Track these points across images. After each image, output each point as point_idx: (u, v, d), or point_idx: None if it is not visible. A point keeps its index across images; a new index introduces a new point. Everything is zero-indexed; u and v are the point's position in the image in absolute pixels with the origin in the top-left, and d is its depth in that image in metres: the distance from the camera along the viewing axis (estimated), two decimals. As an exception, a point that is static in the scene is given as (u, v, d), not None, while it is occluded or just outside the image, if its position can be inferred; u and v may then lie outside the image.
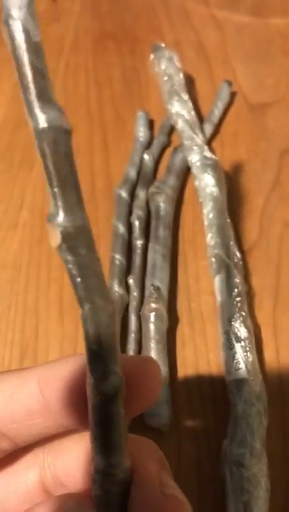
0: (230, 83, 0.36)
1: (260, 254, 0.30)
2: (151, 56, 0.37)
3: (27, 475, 0.16)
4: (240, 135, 0.35)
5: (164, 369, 0.25)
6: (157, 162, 0.34)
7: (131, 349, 0.26)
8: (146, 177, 0.32)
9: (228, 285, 0.26)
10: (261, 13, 0.43)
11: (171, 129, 0.35)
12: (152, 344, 0.25)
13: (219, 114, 0.35)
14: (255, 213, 0.31)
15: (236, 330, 0.25)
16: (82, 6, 0.47)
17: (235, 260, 0.27)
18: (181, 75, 0.36)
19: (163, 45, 0.37)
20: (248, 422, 0.23)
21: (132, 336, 0.26)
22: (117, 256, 0.28)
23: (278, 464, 0.23)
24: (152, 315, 0.26)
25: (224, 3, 0.45)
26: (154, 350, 0.25)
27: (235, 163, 0.34)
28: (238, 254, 0.28)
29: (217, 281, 0.27)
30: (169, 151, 0.34)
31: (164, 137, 0.34)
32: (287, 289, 0.28)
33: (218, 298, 0.27)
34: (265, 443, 0.23)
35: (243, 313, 0.26)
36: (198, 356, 0.26)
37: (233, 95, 0.37)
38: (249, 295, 0.28)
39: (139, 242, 0.29)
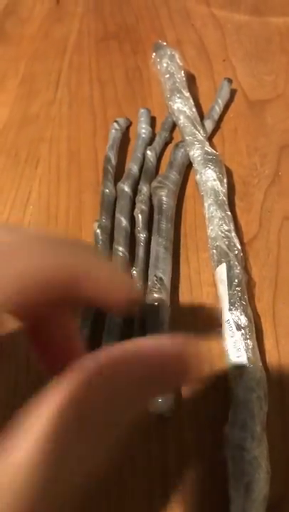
0: (230, 81, 0.37)
1: (260, 246, 0.30)
2: (153, 54, 0.38)
3: None
4: (240, 131, 0.36)
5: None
6: (159, 158, 0.35)
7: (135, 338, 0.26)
8: (148, 172, 0.33)
9: (229, 275, 0.27)
10: (260, 13, 0.44)
11: (173, 126, 0.36)
12: (155, 333, 0.26)
13: (220, 111, 0.36)
14: (255, 207, 0.32)
15: (237, 318, 0.26)
16: (85, 7, 0.47)
17: (236, 252, 0.28)
18: (183, 73, 0.37)
19: (164, 43, 0.38)
20: (248, 407, 0.24)
21: (136, 324, 0.26)
22: (120, 248, 0.29)
23: (278, 448, 0.24)
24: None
25: (224, 2, 0.45)
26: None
27: (236, 159, 0.34)
28: (238, 245, 0.29)
29: (218, 271, 0.28)
30: (170, 147, 0.35)
31: (166, 133, 0.35)
32: (286, 281, 0.29)
33: (219, 288, 0.27)
34: (265, 427, 0.23)
35: (244, 303, 0.26)
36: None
37: (233, 92, 0.38)
38: (249, 286, 0.28)
39: (142, 235, 0.30)
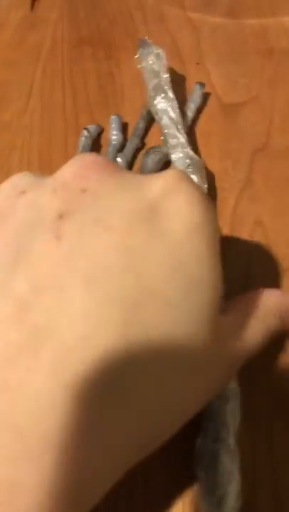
0: (202, 85, 0.37)
1: (231, 251, 0.30)
2: (139, 50, 0.37)
3: None
4: (213, 135, 0.35)
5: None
6: (130, 164, 0.34)
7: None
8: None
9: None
10: (235, 14, 0.44)
11: (145, 132, 0.36)
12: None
13: (192, 116, 0.35)
14: (227, 212, 0.31)
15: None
16: (59, 13, 0.47)
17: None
18: (167, 73, 0.36)
19: (150, 40, 0.37)
20: (221, 418, 0.23)
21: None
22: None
23: (248, 458, 0.23)
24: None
25: (199, 5, 0.45)
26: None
27: (208, 163, 0.34)
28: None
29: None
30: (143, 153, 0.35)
31: (137, 140, 0.35)
32: (256, 285, 0.28)
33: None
34: (238, 439, 0.23)
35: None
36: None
37: (206, 96, 0.38)
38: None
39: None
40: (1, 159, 0.36)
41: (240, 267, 0.29)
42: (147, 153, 0.33)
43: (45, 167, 0.35)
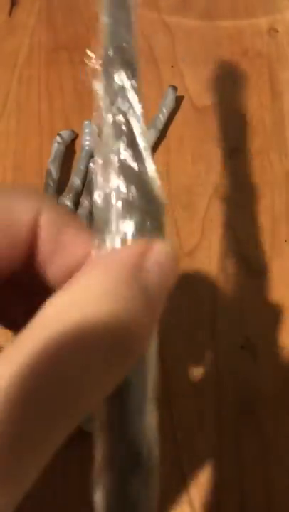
0: (175, 88, 0.37)
1: (202, 257, 0.30)
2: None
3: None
4: (186, 139, 0.36)
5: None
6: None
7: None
8: (91, 185, 0.33)
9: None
10: (211, 17, 0.44)
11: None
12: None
13: (164, 120, 0.36)
14: (198, 216, 0.32)
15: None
16: (37, 19, 0.47)
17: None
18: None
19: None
20: None
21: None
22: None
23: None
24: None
25: (175, 8, 0.45)
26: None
27: (181, 167, 0.34)
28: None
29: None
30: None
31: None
32: (225, 288, 0.29)
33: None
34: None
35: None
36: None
37: (180, 99, 0.38)
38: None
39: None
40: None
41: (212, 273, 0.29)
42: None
43: (19, 172, 0.36)
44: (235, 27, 0.43)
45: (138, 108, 0.19)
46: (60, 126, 0.38)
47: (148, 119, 0.37)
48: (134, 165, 0.16)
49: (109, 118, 0.18)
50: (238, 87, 0.38)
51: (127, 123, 0.18)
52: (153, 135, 0.35)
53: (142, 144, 0.17)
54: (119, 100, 0.18)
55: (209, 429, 0.26)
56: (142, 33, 0.43)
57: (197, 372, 0.27)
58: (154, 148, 0.35)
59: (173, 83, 0.38)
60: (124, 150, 0.17)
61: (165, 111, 0.36)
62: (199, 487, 0.24)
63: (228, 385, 0.27)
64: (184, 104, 0.38)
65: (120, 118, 0.18)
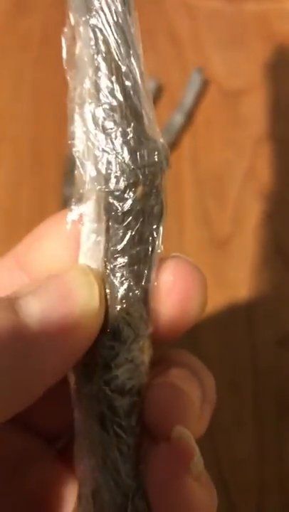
0: (201, 70, 0.35)
1: (235, 246, 0.28)
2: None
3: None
4: (213, 124, 0.34)
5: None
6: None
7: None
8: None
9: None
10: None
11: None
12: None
13: (190, 103, 0.34)
14: (230, 204, 0.30)
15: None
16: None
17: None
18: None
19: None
20: None
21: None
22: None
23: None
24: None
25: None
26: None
27: (209, 153, 0.32)
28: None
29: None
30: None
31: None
32: (261, 281, 0.27)
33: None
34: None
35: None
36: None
37: (206, 83, 0.36)
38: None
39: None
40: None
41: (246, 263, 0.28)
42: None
43: (37, 159, 0.34)
44: (261, 10, 0.41)
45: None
46: (79, 110, 0.36)
47: (174, 104, 0.35)
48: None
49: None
50: (266, 71, 0.37)
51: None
52: (179, 119, 0.33)
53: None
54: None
55: (247, 429, 0.24)
56: (164, 15, 0.41)
57: (233, 369, 0.25)
58: (181, 132, 0.33)
59: (197, 66, 0.36)
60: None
61: (191, 94, 0.34)
62: (239, 487, 0.23)
63: (265, 384, 0.25)
64: (211, 88, 0.36)
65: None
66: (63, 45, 0.14)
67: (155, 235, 0.13)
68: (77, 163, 0.14)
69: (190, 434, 0.12)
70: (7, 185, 0.32)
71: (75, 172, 0.14)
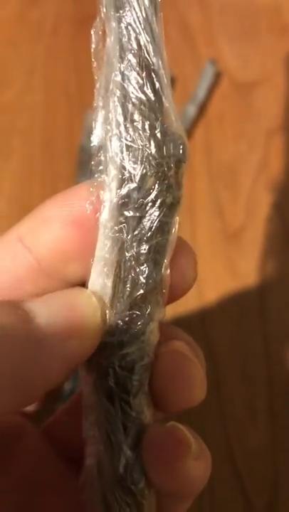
0: (214, 62, 0.35)
1: (247, 238, 0.28)
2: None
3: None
4: (226, 116, 0.34)
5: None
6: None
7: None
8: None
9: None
10: (247, -10, 0.42)
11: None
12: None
13: (203, 95, 0.34)
14: (242, 196, 0.30)
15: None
16: (62, -11, 0.45)
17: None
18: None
19: None
20: None
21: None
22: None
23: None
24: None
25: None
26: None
27: (221, 145, 0.32)
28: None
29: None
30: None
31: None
32: (273, 272, 0.27)
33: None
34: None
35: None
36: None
37: (218, 75, 0.36)
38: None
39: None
40: (2, 142, 0.34)
41: (258, 254, 0.28)
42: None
43: (48, 149, 0.34)
44: (273, 2, 0.41)
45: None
46: (90, 101, 0.36)
47: (186, 95, 0.35)
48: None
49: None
50: (278, 64, 0.36)
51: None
52: (192, 111, 0.33)
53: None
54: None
55: (260, 420, 0.24)
56: (175, 6, 0.41)
57: (245, 360, 0.25)
58: (194, 124, 0.33)
59: (210, 58, 0.36)
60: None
61: (204, 86, 0.34)
62: (252, 477, 0.23)
63: (278, 374, 0.25)
64: (223, 80, 0.36)
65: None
66: (93, 37, 0.14)
67: (173, 225, 0.14)
68: (99, 153, 0.14)
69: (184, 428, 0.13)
70: (19, 176, 0.32)
71: (93, 162, 0.14)
